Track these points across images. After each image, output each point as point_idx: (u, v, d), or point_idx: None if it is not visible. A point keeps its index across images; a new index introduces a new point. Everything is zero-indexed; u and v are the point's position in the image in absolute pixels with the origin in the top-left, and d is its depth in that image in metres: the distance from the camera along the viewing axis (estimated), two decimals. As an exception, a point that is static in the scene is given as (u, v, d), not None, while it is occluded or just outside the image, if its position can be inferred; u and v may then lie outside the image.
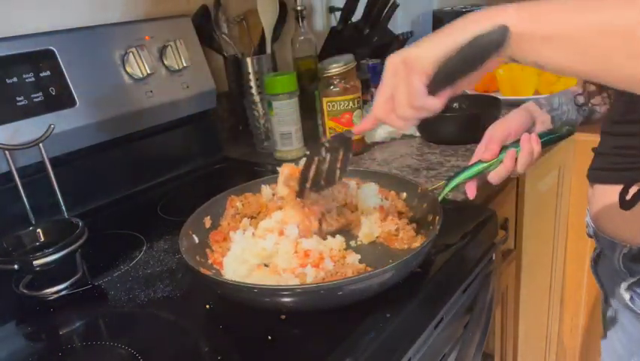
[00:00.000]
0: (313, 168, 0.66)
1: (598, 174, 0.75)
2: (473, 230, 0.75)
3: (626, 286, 0.71)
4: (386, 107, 0.54)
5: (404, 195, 0.78)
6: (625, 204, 0.66)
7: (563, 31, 0.43)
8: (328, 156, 0.66)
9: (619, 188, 0.67)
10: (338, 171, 0.67)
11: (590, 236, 0.82)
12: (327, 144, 0.66)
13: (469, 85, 0.53)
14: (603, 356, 0.84)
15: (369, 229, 0.71)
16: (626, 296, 0.71)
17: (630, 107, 0.69)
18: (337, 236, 0.69)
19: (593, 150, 0.77)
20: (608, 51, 0.42)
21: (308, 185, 0.67)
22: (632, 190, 0.65)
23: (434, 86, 0.50)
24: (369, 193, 0.76)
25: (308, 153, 0.67)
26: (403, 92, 0.51)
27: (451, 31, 0.49)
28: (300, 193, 0.68)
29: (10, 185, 0.82)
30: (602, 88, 0.77)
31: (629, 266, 0.70)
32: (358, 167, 1.02)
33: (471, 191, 0.68)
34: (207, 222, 0.75)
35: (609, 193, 0.71)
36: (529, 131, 0.72)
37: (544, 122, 0.76)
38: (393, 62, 0.52)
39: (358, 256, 0.65)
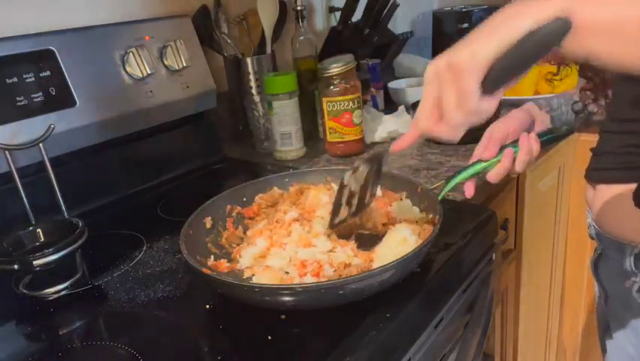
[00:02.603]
0: (345, 195, 0.64)
1: (603, 174, 0.74)
2: (473, 230, 0.75)
3: (638, 287, 0.71)
4: (432, 118, 0.50)
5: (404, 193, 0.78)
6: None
7: (628, 20, 0.41)
8: (357, 182, 0.63)
9: (626, 187, 0.66)
10: (368, 195, 0.64)
11: (592, 237, 0.82)
12: (359, 167, 0.63)
13: (521, 78, 0.50)
14: (611, 358, 0.83)
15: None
16: (638, 297, 0.71)
17: (638, 105, 0.68)
18: (346, 248, 0.66)
19: (592, 150, 0.77)
20: None
21: (338, 218, 0.65)
22: None
23: (489, 86, 0.47)
24: (405, 209, 0.73)
25: (343, 179, 0.64)
26: (452, 96, 0.48)
27: (499, 26, 0.45)
28: (331, 224, 0.67)
29: (10, 185, 0.82)
30: (598, 95, 0.76)
31: None
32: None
33: (469, 190, 0.68)
34: (208, 222, 0.75)
35: (617, 193, 0.70)
36: (528, 130, 0.72)
37: (543, 122, 0.76)
38: (436, 67, 0.48)
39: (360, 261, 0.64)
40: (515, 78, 0.47)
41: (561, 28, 0.42)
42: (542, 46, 0.44)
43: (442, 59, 0.48)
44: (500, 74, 0.46)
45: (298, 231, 0.68)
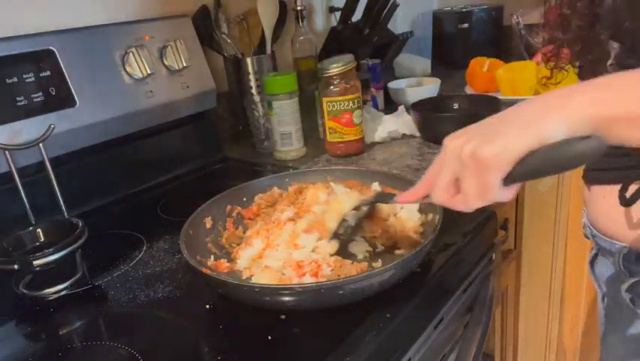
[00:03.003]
0: (343, 227, 0.68)
1: (595, 174, 0.75)
2: (473, 230, 0.75)
3: (627, 287, 0.71)
4: (448, 192, 0.52)
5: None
6: (625, 201, 0.66)
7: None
8: (356, 217, 0.69)
9: (617, 188, 0.67)
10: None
11: (587, 237, 0.82)
12: (361, 208, 0.68)
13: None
14: (603, 357, 0.84)
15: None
16: (627, 297, 0.71)
17: None
18: (331, 241, 0.68)
19: None
20: None
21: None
22: (632, 187, 0.65)
23: (510, 182, 0.47)
24: (410, 214, 0.73)
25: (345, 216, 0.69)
26: (474, 185, 0.48)
27: (530, 123, 0.45)
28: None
29: (10, 185, 0.82)
30: None
31: (629, 267, 0.70)
32: (359, 167, 1.02)
33: None
34: (208, 222, 0.75)
35: (607, 194, 0.71)
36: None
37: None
38: (459, 150, 0.48)
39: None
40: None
41: (596, 148, 0.42)
42: (574, 162, 0.44)
43: (467, 145, 0.47)
44: (525, 175, 0.46)
45: (288, 230, 0.68)
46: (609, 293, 0.78)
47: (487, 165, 0.46)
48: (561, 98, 0.45)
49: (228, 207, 0.79)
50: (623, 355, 0.76)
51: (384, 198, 0.69)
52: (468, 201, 0.50)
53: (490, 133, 0.47)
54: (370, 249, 0.69)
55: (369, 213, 0.70)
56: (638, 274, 0.69)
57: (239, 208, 0.80)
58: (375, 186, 0.80)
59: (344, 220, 0.69)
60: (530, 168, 0.45)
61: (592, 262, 0.82)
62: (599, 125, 0.43)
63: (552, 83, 0.85)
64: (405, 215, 0.73)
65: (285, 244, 0.67)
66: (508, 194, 0.48)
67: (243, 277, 0.65)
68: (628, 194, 0.65)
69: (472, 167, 0.47)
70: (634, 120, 0.42)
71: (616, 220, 0.71)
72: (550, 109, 0.44)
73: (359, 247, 0.69)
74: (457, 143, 0.49)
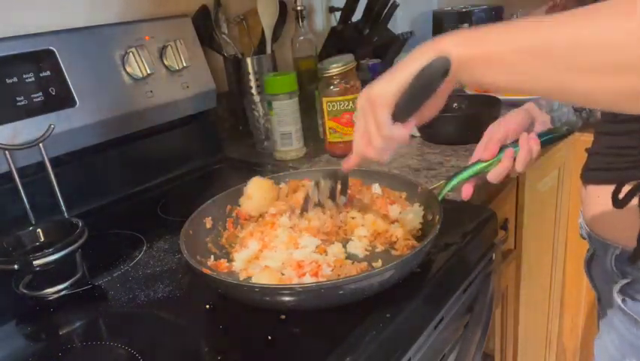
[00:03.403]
0: (311, 205, 0.72)
1: (591, 174, 0.75)
2: (473, 230, 0.75)
3: (619, 288, 0.71)
4: (362, 142, 0.59)
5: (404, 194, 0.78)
6: (617, 202, 0.66)
7: (494, 53, 0.47)
8: (323, 194, 0.71)
9: (612, 188, 0.67)
10: (340, 198, 0.72)
11: (583, 237, 0.82)
12: (320, 182, 0.71)
13: (435, 111, 0.58)
14: (596, 356, 0.83)
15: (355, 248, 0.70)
16: (619, 298, 0.71)
17: None
18: (336, 243, 0.68)
19: (587, 150, 0.77)
20: (538, 70, 0.45)
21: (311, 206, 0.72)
22: (625, 189, 0.65)
23: (397, 117, 0.55)
24: (414, 217, 0.73)
25: (308, 192, 0.73)
26: (372, 125, 0.56)
27: (404, 65, 0.53)
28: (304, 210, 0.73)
29: (10, 185, 0.82)
30: None
31: (621, 268, 0.70)
32: (359, 167, 1.02)
33: (466, 192, 0.67)
34: (208, 222, 0.75)
35: (602, 193, 0.70)
36: (528, 131, 0.72)
37: (543, 123, 0.76)
38: (361, 100, 0.57)
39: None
40: (421, 110, 0.55)
41: (441, 65, 0.50)
42: (430, 81, 0.52)
43: (364, 94, 0.56)
44: (404, 107, 0.54)
45: (285, 231, 0.68)
46: (603, 294, 0.78)
47: (375, 102, 0.55)
48: (435, 42, 0.51)
49: (228, 207, 0.79)
50: (615, 355, 0.76)
51: (334, 171, 0.72)
52: (373, 142, 0.57)
53: (380, 79, 0.56)
54: (370, 248, 0.69)
55: (340, 187, 0.71)
56: (630, 275, 0.69)
57: (239, 208, 0.80)
58: (376, 188, 0.79)
59: (309, 198, 0.71)
60: (405, 100, 0.53)
61: (588, 263, 0.82)
62: (460, 66, 0.49)
63: None
64: (405, 216, 0.73)
65: (283, 245, 0.67)
66: (400, 131, 0.56)
67: (241, 279, 0.65)
68: (621, 195, 0.65)
69: (367, 108, 0.56)
70: (487, 61, 0.48)
71: (609, 221, 0.70)
72: (424, 51, 0.52)
73: (359, 247, 0.69)
74: (360, 94, 0.57)
